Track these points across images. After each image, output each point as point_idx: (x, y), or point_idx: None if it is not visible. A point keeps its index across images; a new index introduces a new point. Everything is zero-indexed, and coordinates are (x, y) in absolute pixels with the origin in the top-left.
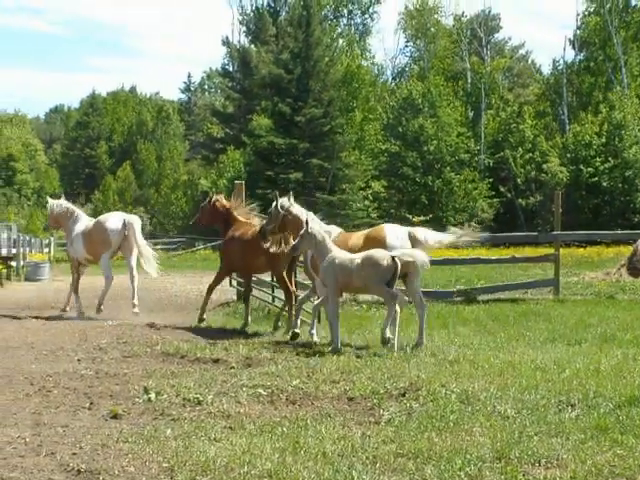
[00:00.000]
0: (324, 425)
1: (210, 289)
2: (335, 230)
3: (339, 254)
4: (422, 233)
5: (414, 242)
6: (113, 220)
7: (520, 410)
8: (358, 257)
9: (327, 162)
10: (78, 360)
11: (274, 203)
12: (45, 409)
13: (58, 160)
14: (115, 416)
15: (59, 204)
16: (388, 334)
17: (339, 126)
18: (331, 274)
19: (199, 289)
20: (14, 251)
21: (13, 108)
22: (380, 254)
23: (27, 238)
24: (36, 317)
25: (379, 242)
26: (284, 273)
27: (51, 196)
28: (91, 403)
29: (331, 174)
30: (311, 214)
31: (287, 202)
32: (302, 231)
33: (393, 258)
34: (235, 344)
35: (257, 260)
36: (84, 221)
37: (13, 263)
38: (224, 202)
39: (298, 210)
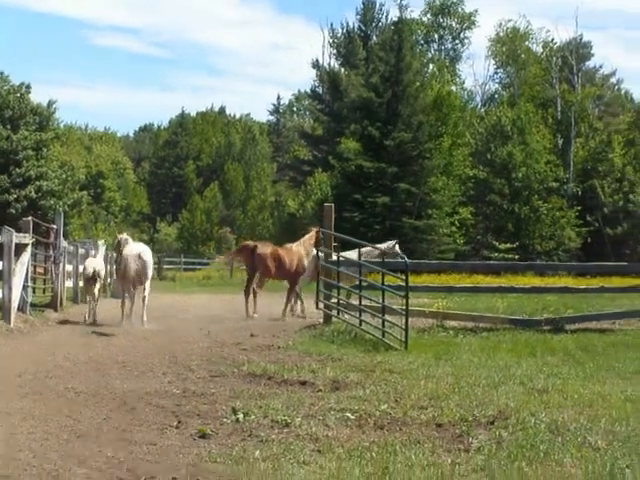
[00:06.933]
0: (413, 451)
1: None
2: None
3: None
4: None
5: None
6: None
7: (611, 442)
8: None
9: (415, 187)
10: (164, 375)
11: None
12: (131, 426)
13: (146, 178)
14: (203, 436)
15: None
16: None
17: (427, 151)
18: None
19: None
20: None
21: (103, 126)
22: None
23: (114, 256)
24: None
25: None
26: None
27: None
28: (179, 422)
29: (418, 199)
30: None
31: (124, 236)
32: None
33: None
34: (322, 367)
35: None
36: None
37: None
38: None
39: (124, 239)
